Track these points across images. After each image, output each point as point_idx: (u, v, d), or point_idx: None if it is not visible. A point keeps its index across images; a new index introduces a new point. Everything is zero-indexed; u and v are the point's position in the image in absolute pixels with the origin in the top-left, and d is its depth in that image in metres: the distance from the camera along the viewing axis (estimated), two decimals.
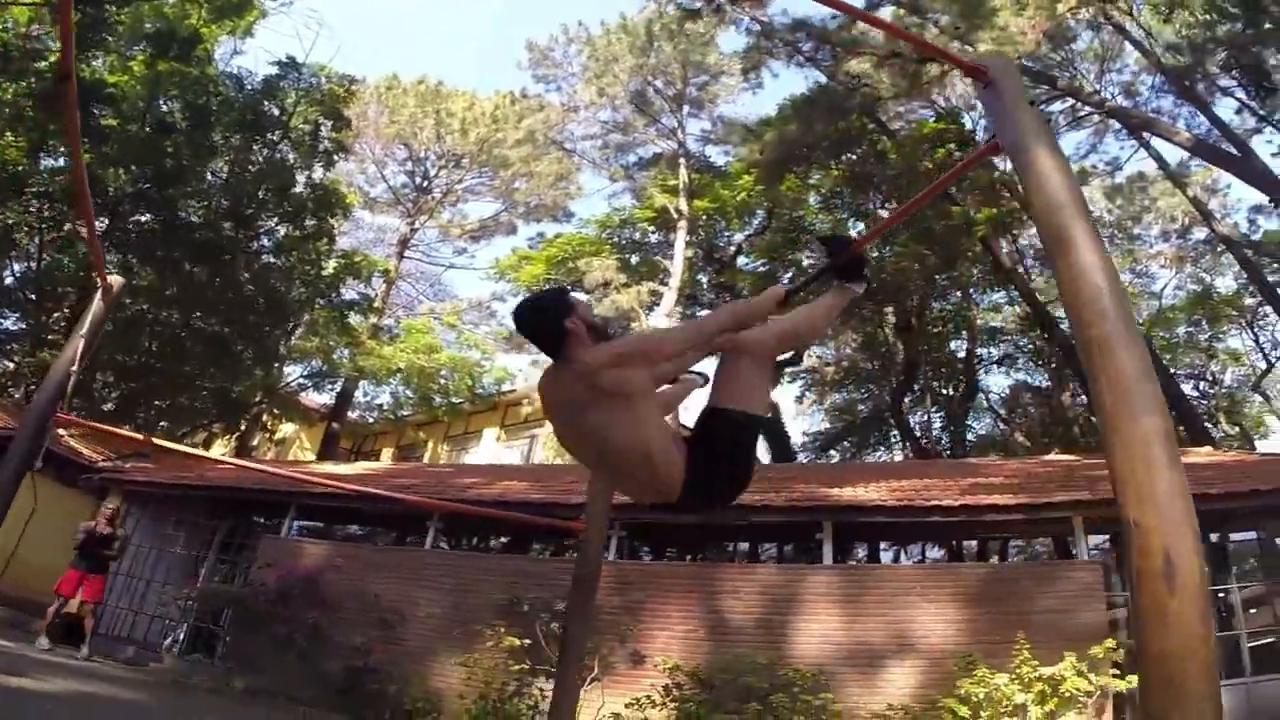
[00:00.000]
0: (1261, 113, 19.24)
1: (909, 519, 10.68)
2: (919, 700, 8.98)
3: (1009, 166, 22.77)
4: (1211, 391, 28.86)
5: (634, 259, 27.01)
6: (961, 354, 27.76)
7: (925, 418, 27.53)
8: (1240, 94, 19.19)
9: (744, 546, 13.82)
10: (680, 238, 25.13)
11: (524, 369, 28.49)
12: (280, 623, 9.89)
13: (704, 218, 26.29)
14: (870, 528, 11.43)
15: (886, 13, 16.39)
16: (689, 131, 27.97)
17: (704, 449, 2.43)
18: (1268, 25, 15.12)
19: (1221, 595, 11.10)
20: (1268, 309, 23.75)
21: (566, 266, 25.50)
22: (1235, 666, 10.08)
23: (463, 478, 14.28)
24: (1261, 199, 20.67)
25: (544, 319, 2.41)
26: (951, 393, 27.22)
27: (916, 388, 26.52)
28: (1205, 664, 1.87)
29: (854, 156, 22.64)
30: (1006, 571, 10.71)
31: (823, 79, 19.56)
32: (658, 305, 24.57)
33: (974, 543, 16.10)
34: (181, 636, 11.78)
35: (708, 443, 2.45)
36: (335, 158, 19.39)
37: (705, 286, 27.90)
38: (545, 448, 22.54)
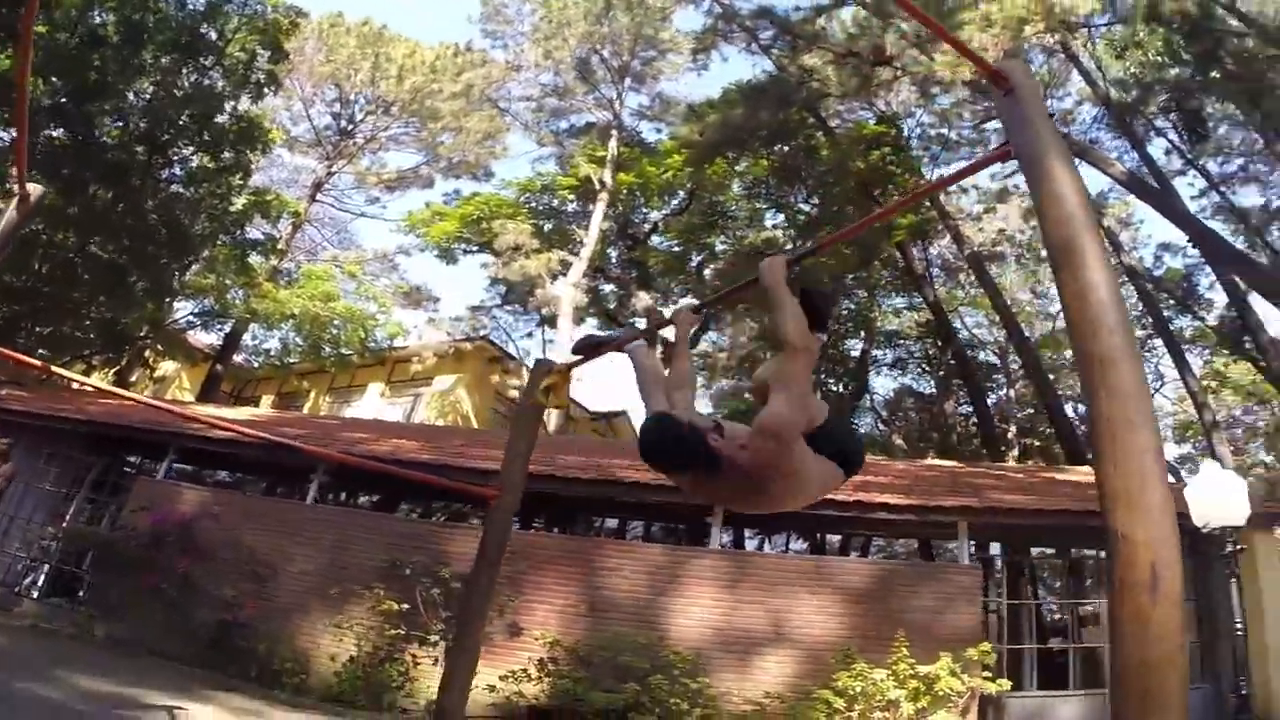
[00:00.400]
0: (1189, 156, 20.67)
1: (801, 510, 10.88)
2: (794, 690, 9.31)
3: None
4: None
5: (548, 226, 27.04)
6: (856, 353, 28.76)
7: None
8: (1173, 136, 20.57)
9: (632, 524, 13.97)
10: (599, 209, 25.24)
11: (418, 325, 28.07)
12: (150, 570, 9.47)
13: (625, 192, 26.55)
14: (760, 515, 11.66)
15: (848, 14, 16.76)
16: (626, 104, 28.11)
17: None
18: (1215, 75, 16.11)
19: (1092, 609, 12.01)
20: (1158, 341, 25.49)
21: (480, 226, 25.38)
22: (1099, 676, 10.92)
23: (350, 431, 13.92)
24: (1171, 237, 22.21)
25: (690, 446, 2.50)
26: (841, 390, 28.13)
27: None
28: (1182, 674, 1.99)
29: (787, 149, 23.06)
30: (890, 570, 11.12)
31: (771, 68, 19.81)
32: (565, 274, 24.68)
33: (852, 539, 16.83)
34: (43, 579, 11.16)
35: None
36: (266, 91, 18.53)
37: (614, 261, 28.18)
38: (429, 407, 22.27)
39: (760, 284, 2.83)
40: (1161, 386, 34.23)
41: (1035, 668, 11.21)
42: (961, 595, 10.56)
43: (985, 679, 8.96)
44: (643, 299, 24.95)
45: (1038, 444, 30.38)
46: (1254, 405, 35.18)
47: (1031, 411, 30.97)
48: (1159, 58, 16.53)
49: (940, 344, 26.41)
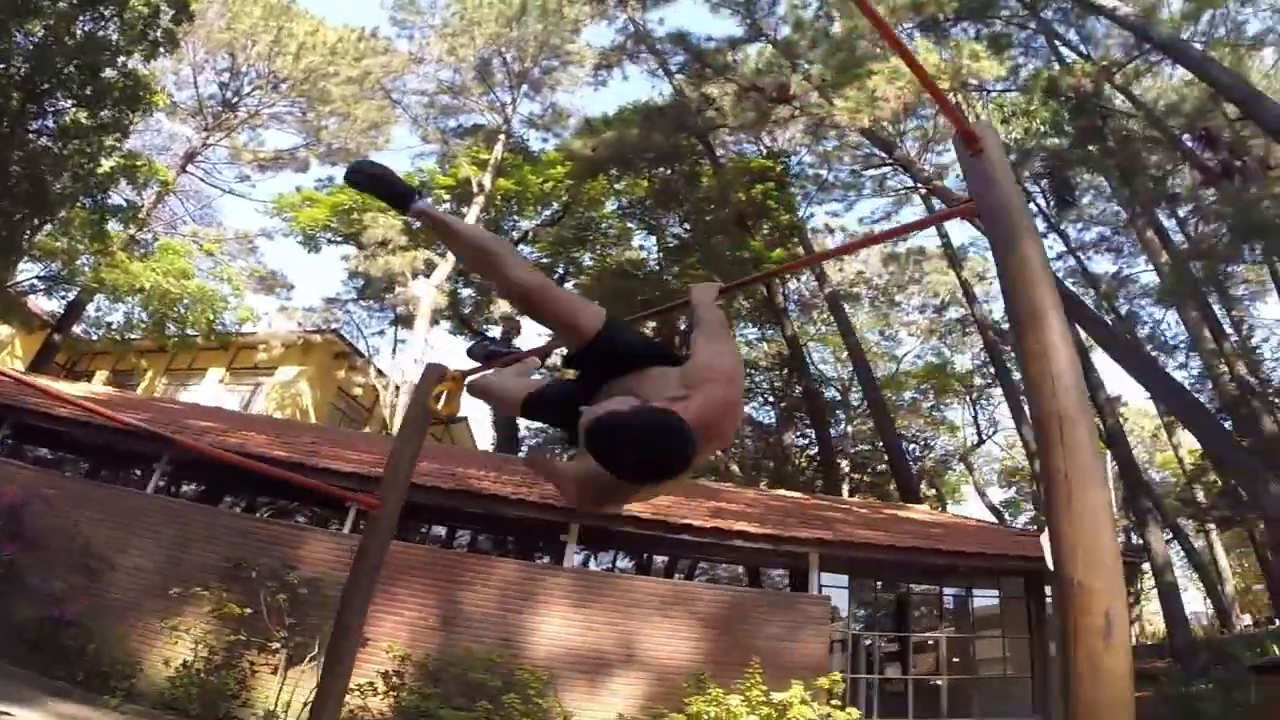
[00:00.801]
0: (1052, 220, 22.56)
1: (660, 533, 11.12)
2: (646, 712, 9.47)
3: None
4: (922, 455, 32.85)
5: (417, 224, 26.45)
6: None
7: None
8: (1040, 201, 22.43)
9: (482, 538, 13.77)
10: (474, 212, 25.12)
11: (269, 313, 27.33)
12: None
13: (501, 198, 26.68)
14: (617, 536, 11.83)
15: (754, 50, 17.41)
16: (519, 111, 28.24)
17: None
18: (1092, 149, 17.63)
19: (931, 643, 12.80)
20: (996, 390, 27.49)
21: (350, 217, 24.92)
22: (934, 706, 11.67)
23: (198, 419, 13.13)
24: None
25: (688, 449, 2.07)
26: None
27: None
28: (1130, 713, 2.20)
29: (670, 172, 23.62)
30: (742, 597, 11.47)
31: (671, 92, 20.31)
32: (429, 275, 24.44)
33: (697, 565, 17.18)
34: None
35: None
36: (161, 50, 17.33)
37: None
38: (269, 398, 21.36)
39: (690, 303, 2.74)
40: (994, 434, 37.14)
41: (877, 697, 11.86)
42: (811, 624, 11.09)
43: (835, 707, 9.38)
44: (502, 306, 24.85)
45: (869, 479, 32.17)
46: None
47: (869, 448, 32.76)
48: (1042, 126, 17.93)
49: (789, 376, 27.45)
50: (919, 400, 33.09)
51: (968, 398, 33.12)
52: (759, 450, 31.99)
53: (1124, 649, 2.25)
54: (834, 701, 9.49)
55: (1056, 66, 18.42)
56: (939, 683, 12.31)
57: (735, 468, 30.45)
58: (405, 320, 25.71)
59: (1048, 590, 12.25)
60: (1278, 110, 12.54)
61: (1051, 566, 6.93)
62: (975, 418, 34.73)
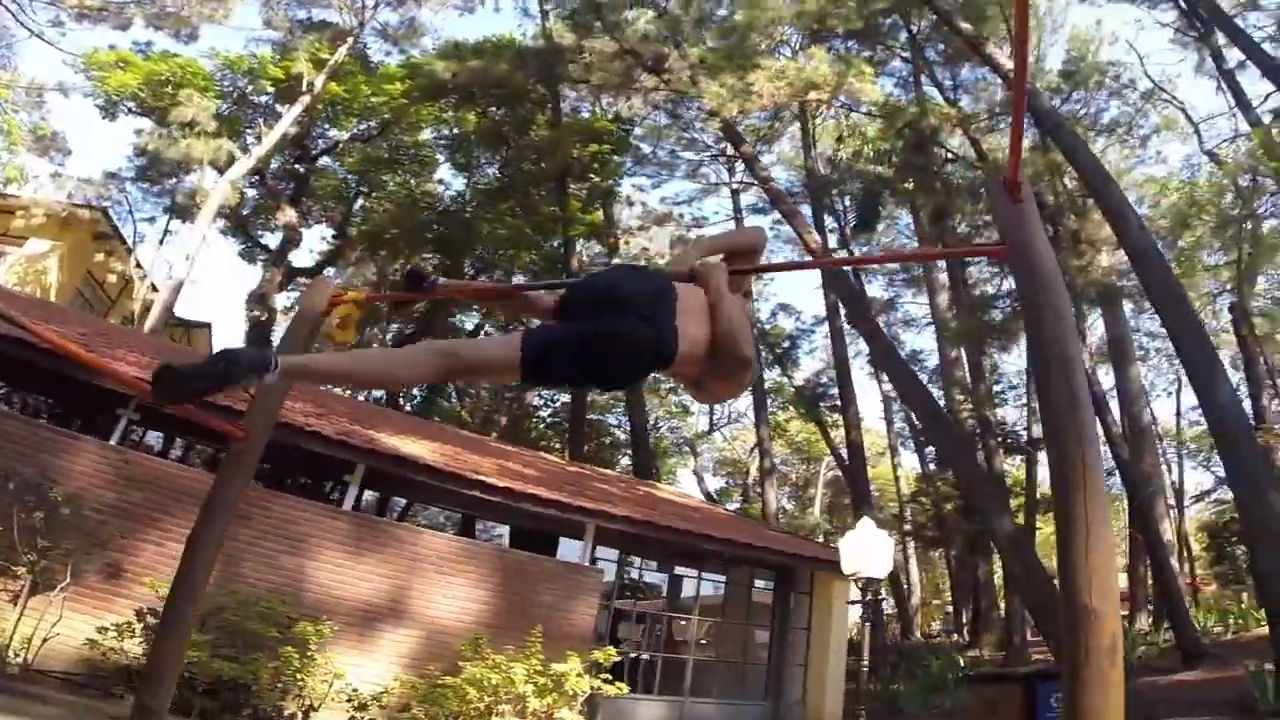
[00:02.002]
0: (848, 234, 24.33)
1: (451, 486, 10.99)
2: (415, 672, 9.40)
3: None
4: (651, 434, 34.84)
5: (228, 109, 24.84)
6: (470, 326, 29.44)
7: None
8: (844, 218, 24.14)
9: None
10: (294, 112, 23.50)
11: (39, 176, 24.62)
12: None
13: (324, 104, 25.17)
14: (404, 484, 11.55)
15: (641, 25, 17.42)
16: (376, 17, 26.64)
17: None
18: (908, 185, 19.15)
19: (685, 623, 13.61)
20: None
21: (164, 90, 22.70)
22: (680, 684, 12.44)
23: None
24: (792, 299, 26.54)
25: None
26: None
27: None
28: (1119, 712, 2.64)
29: (508, 113, 23.49)
30: (522, 561, 11.60)
31: (533, 33, 20.06)
32: (228, 169, 22.64)
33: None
34: None
35: None
36: None
37: (276, 170, 26.38)
38: (10, 271, 18.63)
39: (704, 279, 2.87)
40: (726, 425, 39.98)
41: (628, 671, 12.49)
42: (584, 595, 11.51)
43: (605, 681, 9.81)
44: (287, 214, 23.41)
45: (603, 451, 33.35)
46: (794, 459, 42.36)
47: (614, 421, 34.03)
48: (868, 149, 19.38)
49: None
50: (660, 381, 34.82)
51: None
52: (493, 404, 32.22)
53: (1121, 664, 2.69)
54: (604, 675, 9.88)
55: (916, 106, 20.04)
56: (688, 660, 13.15)
57: (467, 415, 30.60)
58: (183, 212, 23.63)
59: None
60: (1120, 197, 14.32)
61: (847, 570, 7.67)
62: (710, 407, 37.49)
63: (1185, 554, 25.17)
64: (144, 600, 7.98)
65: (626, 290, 2.67)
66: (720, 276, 2.84)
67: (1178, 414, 28.78)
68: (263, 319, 23.41)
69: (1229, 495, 25.54)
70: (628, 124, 25.02)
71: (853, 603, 12.85)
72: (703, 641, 13.81)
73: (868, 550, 9.66)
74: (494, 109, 23.84)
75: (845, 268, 21.78)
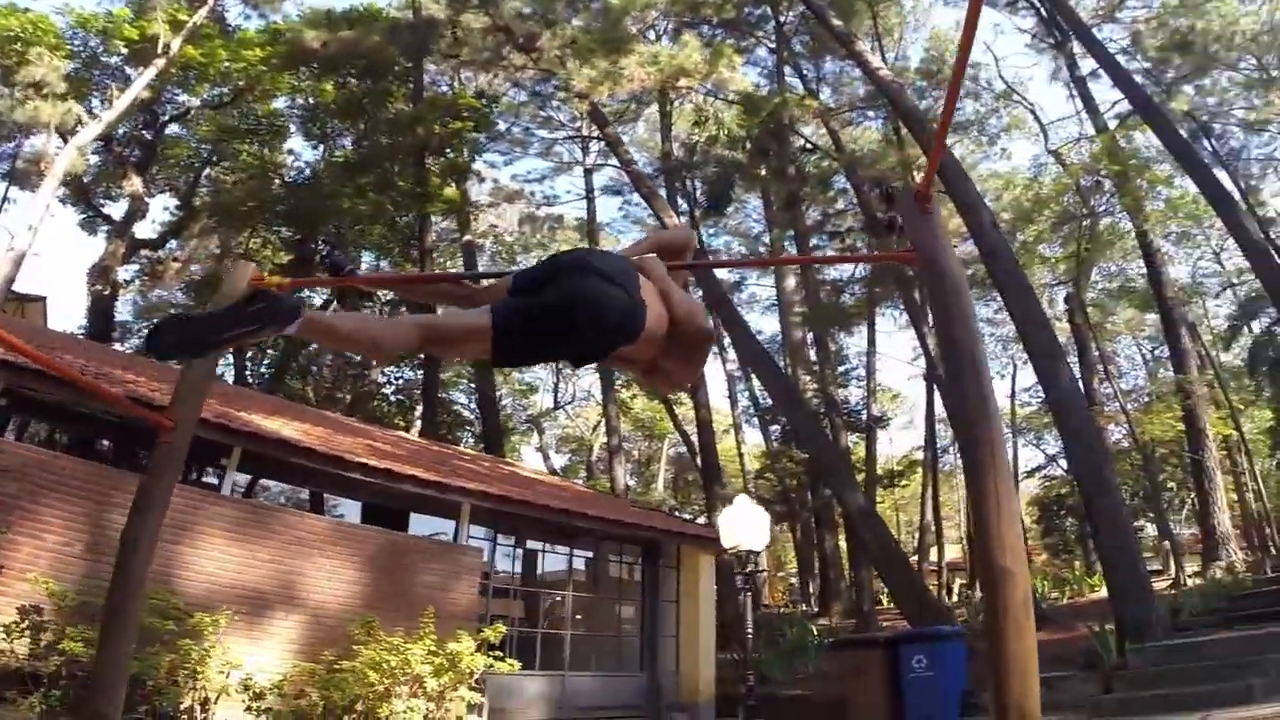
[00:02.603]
0: (697, 216, 25.29)
1: (333, 469, 11.01)
2: (307, 656, 9.48)
3: None
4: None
5: (77, 70, 23.24)
6: (319, 301, 28.87)
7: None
8: (694, 200, 25.08)
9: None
10: (147, 75, 22.12)
11: None
12: None
13: (179, 68, 23.87)
14: (282, 467, 11.45)
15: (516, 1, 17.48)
16: None
17: None
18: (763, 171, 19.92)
19: (560, 599, 14.06)
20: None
21: (12, 47, 21.04)
22: (558, 659, 12.91)
23: None
24: None
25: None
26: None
27: None
28: (1034, 656, 3.22)
29: (371, 85, 23.17)
30: (403, 542, 11.75)
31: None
32: (74, 134, 21.24)
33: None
34: None
35: None
36: None
37: (122, 136, 24.92)
38: None
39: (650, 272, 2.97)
40: (571, 403, 40.77)
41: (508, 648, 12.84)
42: (465, 574, 11.81)
43: (496, 658, 10.15)
44: (134, 184, 22.32)
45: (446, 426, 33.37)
46: (637, 435, 43.47)
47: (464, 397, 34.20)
48: (724, 134, 20.12)
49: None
50: None
51: (555, 364, 36.13)
52: (335, 382, 31.78)
53: (1031, 618, 3.29)
54: (495, 652, 10.22)
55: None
56: (565, 635, 13.64)
57: (310, 391, 30.09)
58: (21, 178, 22.05)
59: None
60: (975, 194, 15.46)
61: (727, 544, 8.44)
62: (556, 385, 38.56)
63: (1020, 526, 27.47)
64: (26, 598, 7.74)
65: (596, 262, 2.73)
66: (661, 267, 2.94)
67: (1012, 395, 31.08)
68: (105, 293, 22.32)
69: (1057, 472, 28.21)
70: (492, 101, 25.07)
71: (736, 573, 13.56)
72: (578, 617, 14.31)
73: (745, 525, 10.38)
74: (354, 80, 23.48)
75: (785, 266, 22.55)
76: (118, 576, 4.04)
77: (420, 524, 12.83)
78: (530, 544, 14.22)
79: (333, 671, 8.99)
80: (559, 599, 14.33)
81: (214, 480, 11.17)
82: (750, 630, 11.95)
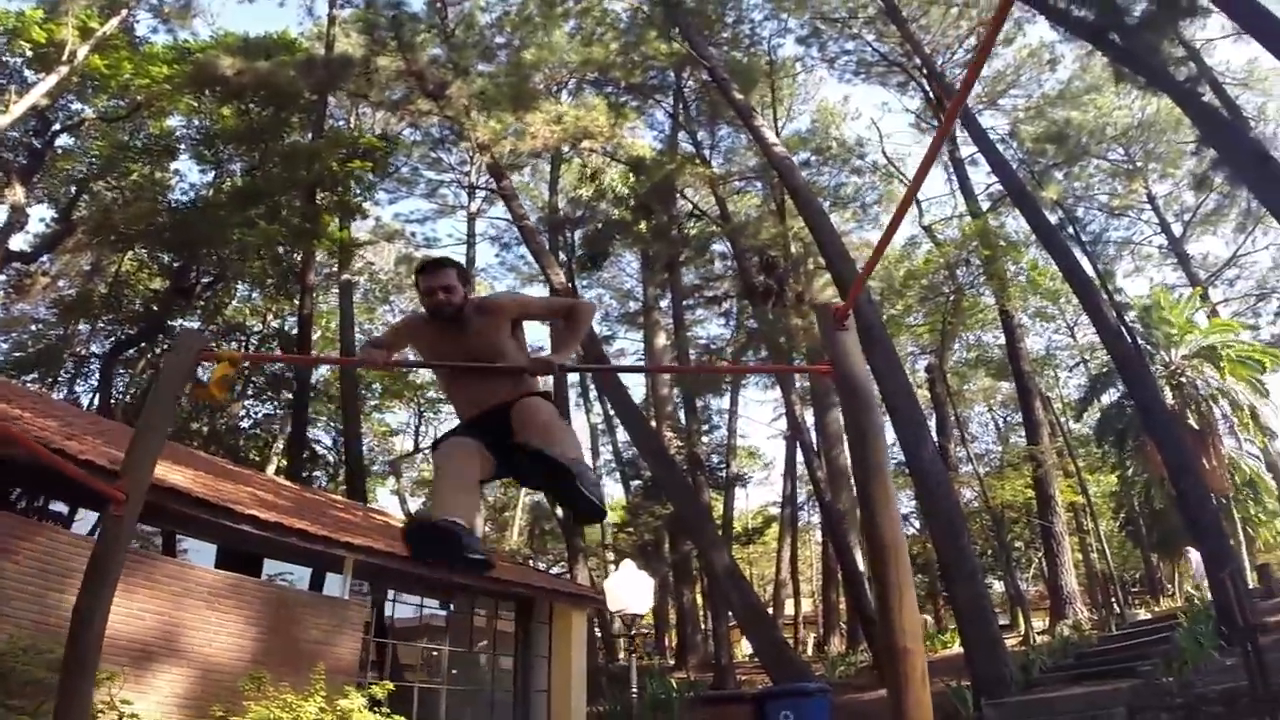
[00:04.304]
0: (574, 268, 26.45)
1: (223, 520, 11.02)
2: (195, 710, 9.56)
3: None
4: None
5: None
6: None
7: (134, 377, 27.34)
8: (576, 251, 26.11)
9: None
10: (49, 82, 21.56)
11: None
12: None
13: (80, 76, 23.35)
14: (164, 514, 11.37)
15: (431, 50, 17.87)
16: None
17: None
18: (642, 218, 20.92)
19: (435, 654, 14.36)
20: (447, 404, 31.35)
21: None
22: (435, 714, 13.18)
23: None
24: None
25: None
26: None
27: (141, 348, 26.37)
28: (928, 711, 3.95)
29: (269, 114, 23.24)
30: (288, 596, 11.87)
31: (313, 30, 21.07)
32: None
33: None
34: None
35: None
36: None
37: (11, 141, 24.10)
38: None
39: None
40: (430, 447, 41.19)
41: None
42: (348, 627, 12.02)
43: (384, 714, 10.43)
44: (16, 193, 21.66)
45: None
46: (494, 483, 44.24)
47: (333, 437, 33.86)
48: (611, 192, 21.02)
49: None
50: (366, 399, 35.01)
51: (416, 405, 36.71)
52: (192, 413, 31.15)
53: (928, 686, 4.01)
54: (383, 709, 10.49)
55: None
56: (441, 690, 13.91)
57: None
58: None
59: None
60: (854, 272, 16.62)
61: (614, 607, 9.26)
62: (418, 428, 38.88)
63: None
64: None
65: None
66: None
67: None
68: None
69: (910, 530, 29.96)
70: (393, 142, 25.37)
71: (617, 636, 14.16)
72: (454, 671, 14.59)
73: (630, 589, 11.06)
74: (256, 108, 23.46)
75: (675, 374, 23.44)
76: (69, 655, 3.85)
77: (272, 567, 12.76)
78: (407, 598, 14.44)
79: None
80: (434, 654, 14.59)
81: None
82: (635, 690, 12.47)
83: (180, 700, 9.78)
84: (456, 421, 4.09)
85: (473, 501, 3.62)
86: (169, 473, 11.71)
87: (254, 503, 12.22)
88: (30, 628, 8.61)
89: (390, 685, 10.84)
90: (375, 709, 10.35)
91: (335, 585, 12.86)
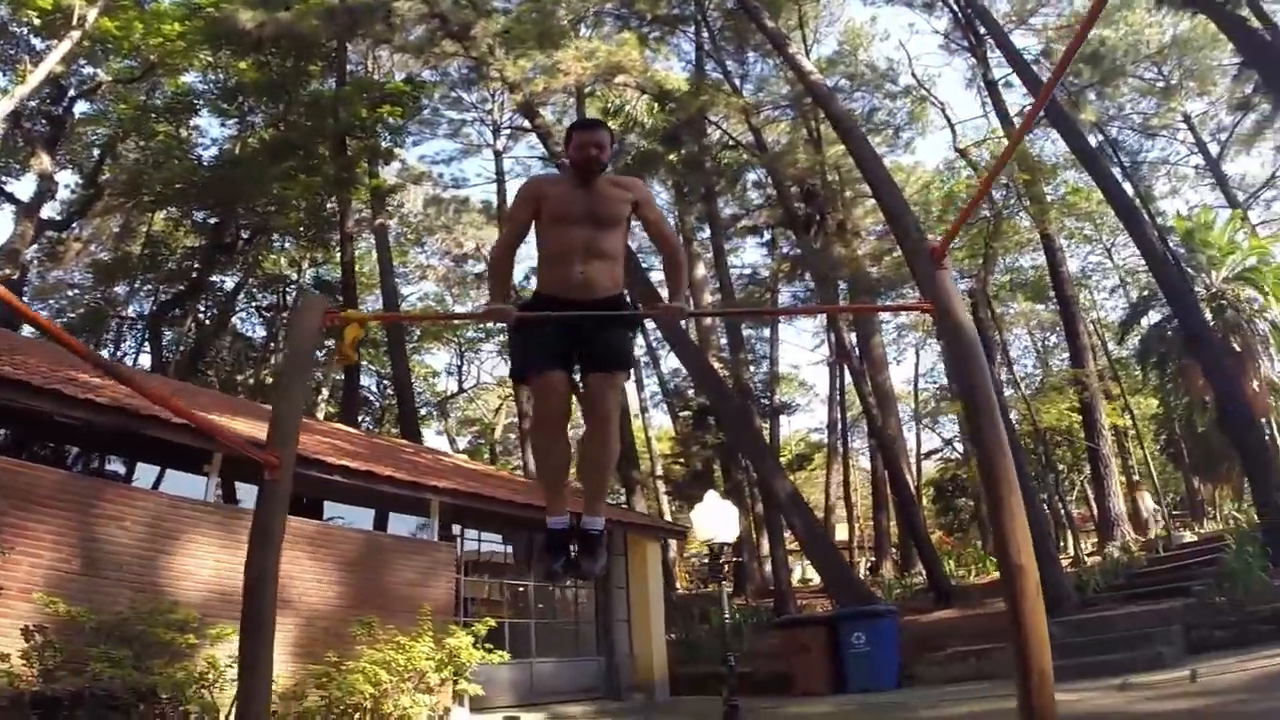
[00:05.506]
0: None
1: (314, 472, 11.55)
2: (305, 658, 10.09)
3: None
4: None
5: None
6: (229, 286, 29.22)
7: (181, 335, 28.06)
8: None
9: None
10: (62, 49, 21.61)
11: None
12: None
13: (90, 39, 23.23)
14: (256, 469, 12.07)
15: None
16: None
17: None
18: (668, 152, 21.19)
19: (522, 589, 15.20)
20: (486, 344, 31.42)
21: None
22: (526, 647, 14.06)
23: None
24: None
25: None
26: (204, 319, 28.30)
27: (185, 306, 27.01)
28: (1045, 628, 4.51)
29: (290, 66, 23.51)
30: (380, 541, 12.62)
31: None
32: None
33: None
34: None
35: None
36: None
37: (30, 111, 24.42)
38: None
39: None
40: (474, 386, 41.88)
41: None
42: (440, 569, 12.78)
43: (488, 650, 11.20)
44: (43, 162, 22.17)
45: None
46: None
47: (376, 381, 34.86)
48: (640, 125, 21.35)
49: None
50: (410, 343, 35.89)
51: (457, 347, 37.47)
52: (239, 365, 31.92)
53: (1041, 600, 4.59)
54: (486, 645, 11.24)
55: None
56: (530, 624, 14.78)
57: (212, 374, 30.24)
58: None
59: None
60: (902, 201, 16.96)
61: (702, 537, 10.06)
62: (460, 368, 39.96)
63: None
64: (28, 617, 7.91)
65: None
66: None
67: (915, 381, 33.42)
68: (14, 277, 22.08)
69: (951, 455, 30.60)
70: (420, 87, 25.64)
71: (705, 563, 14.88)
72: (539, 605, 15.42)
73: (717, 519, 11.75)
74: (276, 60, 23.71)
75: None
76: (245, 623, 3.94)
77: (333, 510, 13.30)
78: (489, 536, 15.22)
79: (341, 672, 9.59)
80: (521, 589, 15.42)
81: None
82: (728, 617, 13.15)
83: (293, 650, 10.17)
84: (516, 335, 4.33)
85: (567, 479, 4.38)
86: (255, 430, 12.44)
87: (336, 452, 12.89)
88: (149, 591, 9.14)
89: (492, 621, 11.58)
90: (478, 645, 11.05)
91: (401, 527, 13.65)
